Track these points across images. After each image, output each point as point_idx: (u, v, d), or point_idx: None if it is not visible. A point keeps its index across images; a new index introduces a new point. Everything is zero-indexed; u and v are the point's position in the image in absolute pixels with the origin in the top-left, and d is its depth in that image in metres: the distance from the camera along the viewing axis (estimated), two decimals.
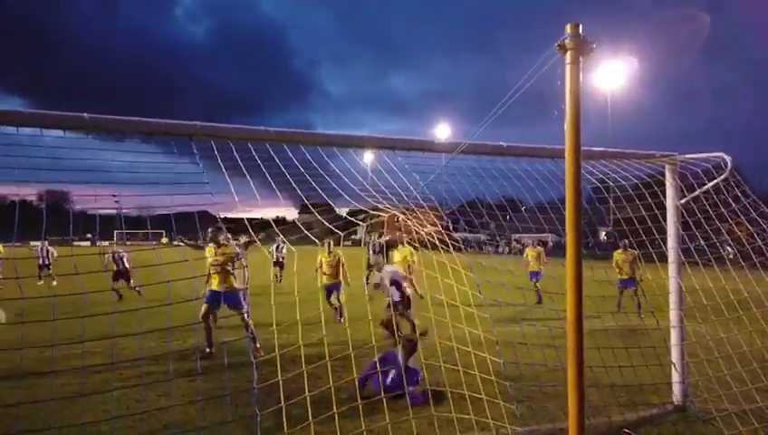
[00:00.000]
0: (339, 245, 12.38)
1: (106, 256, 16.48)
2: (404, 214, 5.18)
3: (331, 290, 11.96)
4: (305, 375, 3.98)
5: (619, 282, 13.65)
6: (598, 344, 5.82)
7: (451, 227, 5.28)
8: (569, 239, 2.36)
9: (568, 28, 2.46)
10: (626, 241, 13.55)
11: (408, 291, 8.71)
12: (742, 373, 5.98)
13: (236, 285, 8.66)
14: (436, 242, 5.04)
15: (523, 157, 5.69)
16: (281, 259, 19.71)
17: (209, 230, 9.07)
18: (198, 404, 6.01)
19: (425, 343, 6.68)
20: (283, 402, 3.80)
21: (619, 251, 13.86)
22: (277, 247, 19.86)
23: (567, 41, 2.44)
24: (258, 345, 8.49)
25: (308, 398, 3.88)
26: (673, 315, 6.32)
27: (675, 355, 6.23)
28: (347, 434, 4.26)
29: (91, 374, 7.26)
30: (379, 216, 5.12)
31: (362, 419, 4.16)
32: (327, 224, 4.78)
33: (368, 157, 6.09)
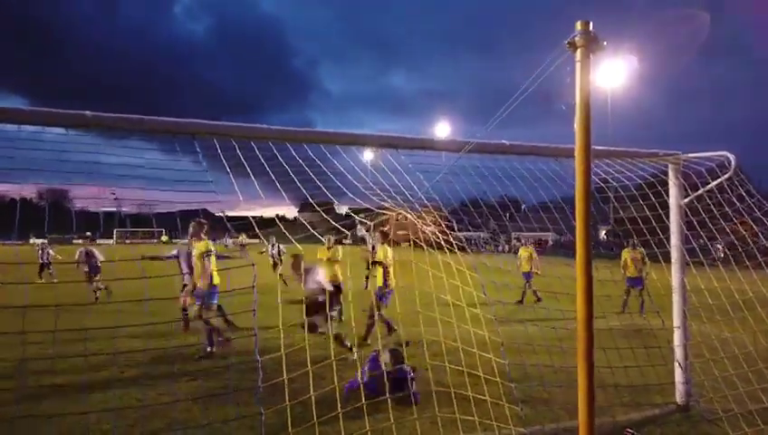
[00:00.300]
0: (341, 243, 12.27)
1: (78, 251, 16.38)
2: (408, 213, 5.14)
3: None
4: (310, 374, 3.95)
5: (626, 280, 13.72)
6: (602, 345, 5.79)
7: (456, 227, 5.23)
8: (579, 238, 2.33)
9: (578, 25, 2.42)
10: (633, 240, 13.56)
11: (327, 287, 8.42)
12: (747, 374, 5.95)
13: (199, 282, 8.64)
14: (441, 242, 5.00)
15: (526, 156, 5.65)
16: (279, 261, 19.19)
17: (191, 225, 9.14)
18: (200, 404, 5.99)
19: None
20: (287, 401, 3.76)
21: (628, 249, 13.88)
22: (273, 247, 19.44)
23: (577, 38, 2.40)
24: (220, 338, 8.62)
25: (312, 397, 3.85)
26: (676, 315, 6.28)
27: (678, 355, 6.20)
28: (351, 434, 4.23)
29: (92, 373, 7.25)
30: (384, 214, 5.09)
31: (366, 418, 4.12)
32: (332, 222, 4.73)
33: (367, 155, 6.05)
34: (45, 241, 22.23)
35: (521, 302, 15.00)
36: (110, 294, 15.19)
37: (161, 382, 6.86)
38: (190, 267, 9.86)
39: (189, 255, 9.91)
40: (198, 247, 8.80)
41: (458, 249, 4.95)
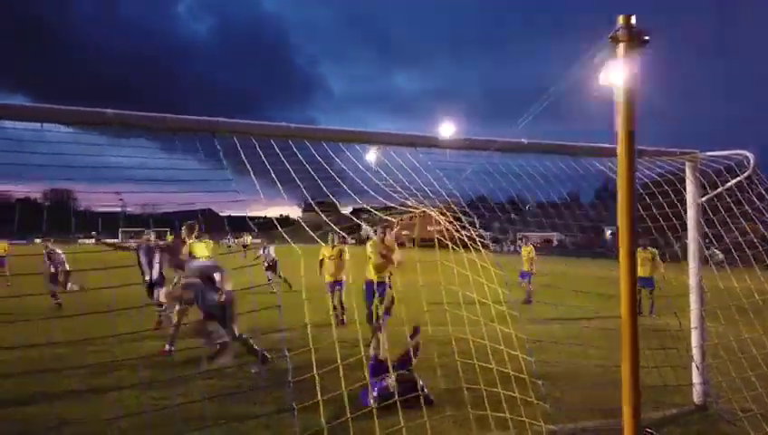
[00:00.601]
0: (345, 243, 12.02)
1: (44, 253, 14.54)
2: (431, 211, 5.12)
3: (333, 287, 11.49)
4: (341, 370, 3.94)
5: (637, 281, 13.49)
6: (619, 345, 5.74)
7: (478, 224, 5.20)
8: (622, 239, 2.31)
9: (620, 20, 2.40)
10: (645, 240, 13.45)
11: (228, 288, 7.25)
12: (767, 374, 5.89)
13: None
14: (465, 238, 4.98)
15: (546, 154, 5.65)
16: (271, 263, 17.83)
17: (183, 227, 9.32)
18: (216, 403, 5.96)
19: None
20: (320, 397, 3.74)
21: (639, 249, 13.67)
22: (264, 250, 18.46)
23: (619, 33, 2.38)
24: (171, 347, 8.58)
25: (345, 394, 3.84)
26: (694, 316, 6.25)
27: (696, 356, 6.16)
28: (384, 430, 4.20)
29: (106, 375, 7.21)
30: (409, 212, 5.07)
31: (401, 416, 4.09)
32: (360, 222, 4.72)
33: (370, 155, 5.99)
34: (51, 241, 22.08)
35: (529, 302, 15.00)
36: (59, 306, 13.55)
37: (177, 383, 6.80)
38: (149, 261, 10.37)
39: (150, 249, 10.37)
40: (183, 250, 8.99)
41: (483, 246, 4.94)
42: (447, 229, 4.97)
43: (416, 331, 6.73)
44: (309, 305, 4.51)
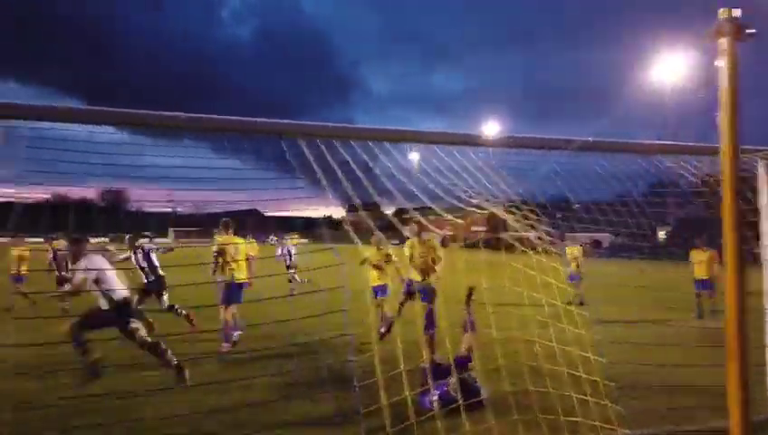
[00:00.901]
0: (401, 243, 11.57)
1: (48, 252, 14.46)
2: (498, 211, 5.06)
3: (377, 292, 10.38)
4: (404, 374, 3.94)
5: (694, 284, 13.02)
6: (687, 345, 5.54)
7: (548, 224, 5.12)
8: (728, 238, 2.23)
9: (721, 12, 2.31)
10: (703, 238, 12.85)
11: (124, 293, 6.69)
12: None
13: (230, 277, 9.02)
14: (534, 239, 4.92)
15: (618, 153, 5.53)
16: (289, 261, 16.76)
17: (221, 223, 9.46)
18: (281, 402, 5.99)
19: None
20: (385, 402, 3.75)
21: (697, 250, 13.22)
22: (283, 247, 17.19)
23: (722, 26, 2.29)
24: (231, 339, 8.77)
25: (408, 396, 3.84)
26: None
27: None
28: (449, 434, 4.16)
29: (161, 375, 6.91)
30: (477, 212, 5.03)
31: (465, 420, 4.07)
32: (425, 225, 4.71)
33: (413, 155, 5.95)
34: (107, 240, 23.02)
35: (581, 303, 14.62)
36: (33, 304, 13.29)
37: (227, 384, 6.65)
38: (152, 266, 10.36)
39: (148, 254, 10.42)
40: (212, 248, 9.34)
41: (551, 245, 4.87)
42: (516, 229, 4.91)
43: (470, 293, 6.68)
44: (373, 310, 4.51)
